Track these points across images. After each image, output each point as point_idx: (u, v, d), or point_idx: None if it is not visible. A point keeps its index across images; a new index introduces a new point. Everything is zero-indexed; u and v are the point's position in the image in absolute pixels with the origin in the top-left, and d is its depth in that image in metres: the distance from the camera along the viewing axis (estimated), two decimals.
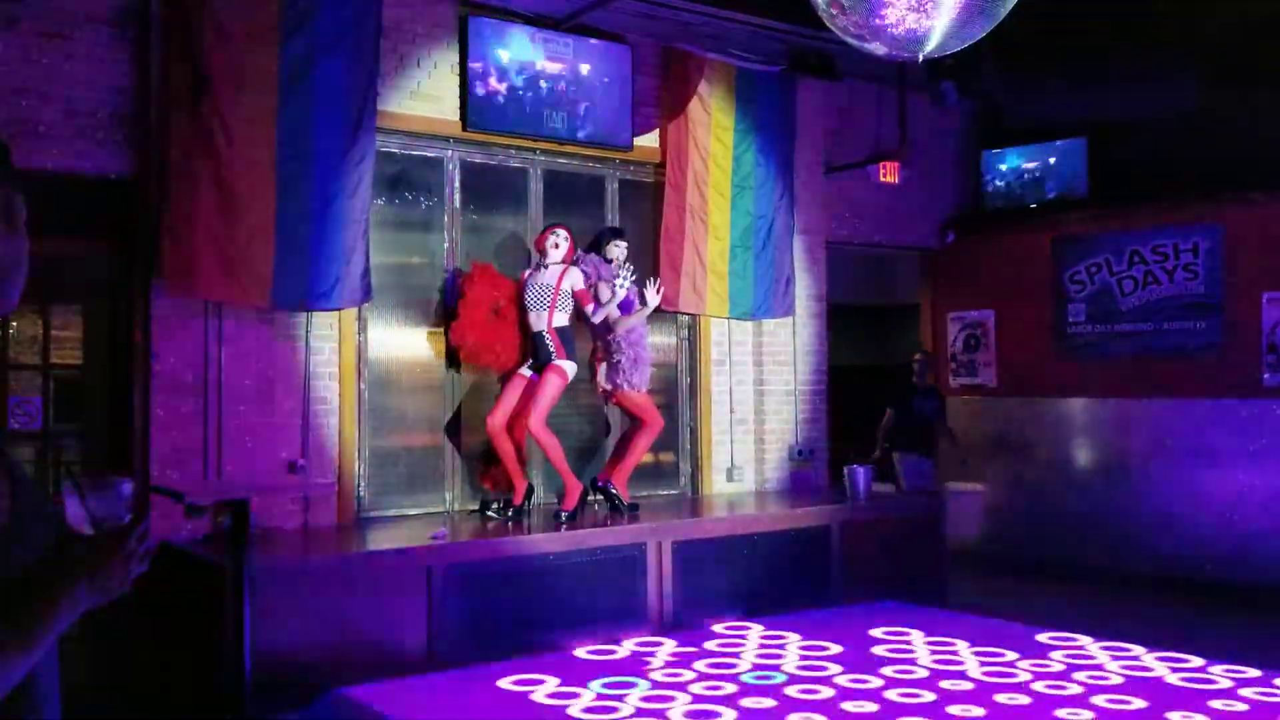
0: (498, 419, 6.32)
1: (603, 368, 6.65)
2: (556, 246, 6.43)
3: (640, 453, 6.79)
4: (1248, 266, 7.75)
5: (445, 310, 6.69)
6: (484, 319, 6.47)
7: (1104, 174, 8.65)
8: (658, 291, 6.61)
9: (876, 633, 6.11)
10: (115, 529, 1.57)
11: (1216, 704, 4.79)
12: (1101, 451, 8.48)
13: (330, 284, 6.00)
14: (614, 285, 6.49)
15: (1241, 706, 4.77)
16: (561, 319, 6.39)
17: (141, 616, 5.36)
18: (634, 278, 6.57)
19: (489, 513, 6.53)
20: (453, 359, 6.70)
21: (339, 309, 6.18)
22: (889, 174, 8.37)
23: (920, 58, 4.24)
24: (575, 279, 6.42)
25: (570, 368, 6.35)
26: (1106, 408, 8.44)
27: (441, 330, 6.71)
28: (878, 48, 4.27)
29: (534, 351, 6.43)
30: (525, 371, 6.43)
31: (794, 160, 8.03)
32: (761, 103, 7.82)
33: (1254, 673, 5.26)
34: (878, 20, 4.05)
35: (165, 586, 5.32)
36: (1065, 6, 7.37)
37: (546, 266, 6.43)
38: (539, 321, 6.38)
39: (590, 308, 6.45)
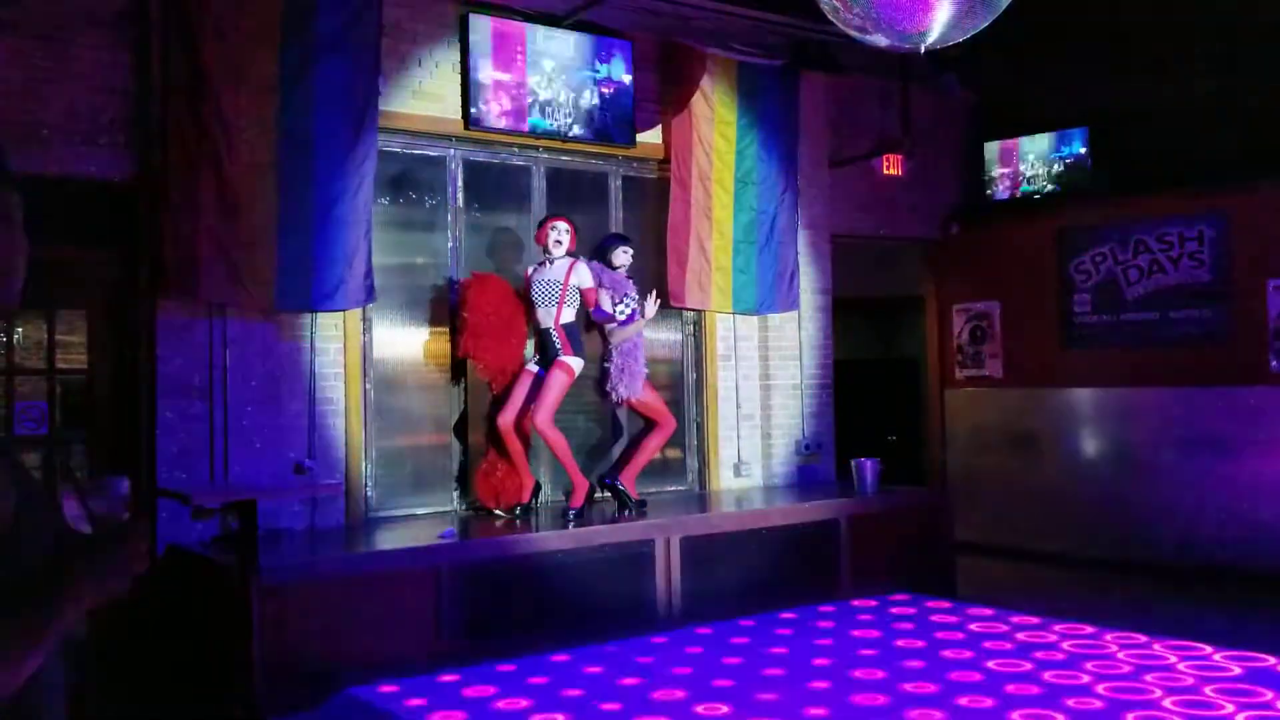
0: (508, 416, 6.32)
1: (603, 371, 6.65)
2: (559, 242, 6.41)
3: (652, 453, 6.79)
4: (1253, 254, 7.72)
5: (452, 319, 6.68)
6: (484, 325, 6.45)
7: (1108, 163, 8.61)
8: (655, 302, 6.56)
9: (886, 625, 6.10)
10: (114, 528, 1.57)
11: (1224, 691, 4.78)
12: (1108, 441, 8.46)
13: (333, 285, 5.99)
14: (619, 299, 6.44)
15: (1248, 693, 4.76)
16: (569, 315, 6.37)
17: (151, 618, 5.38)
18: (638, 302, 6.51)
19: (497, 511, 6.53)
20: (458, 367, 6.70)
21: (343, 310, 6.17)
22: (892, 167, 8.37)
23: (923, 49, 4.23)
24: (583, 275, 6.39)
25: (577, 363, 6.34)
26: (1112, 397, 8.42)
27: (446, 331, 6.71)
28: (880, 40, 4.26)
29: (541, 348, 6.43)
30: (532, 367, 6.43)
31: (797, 154, 8.01)
32: (764, 97, 7.81)
33: (1264, 659, 5.25)
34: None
35: (174, 588, 5.34)
36: None
37: (552, 262, 6.41)
38: (547, 318, 6.37)
39: (595, 309, 6.44)
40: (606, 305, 6.45)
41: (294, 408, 6.10)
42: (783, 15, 7.20)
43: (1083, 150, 8.76)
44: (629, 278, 6.66)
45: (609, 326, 6.50)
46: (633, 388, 6.55)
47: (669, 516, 6.40)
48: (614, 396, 6.57)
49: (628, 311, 6.44)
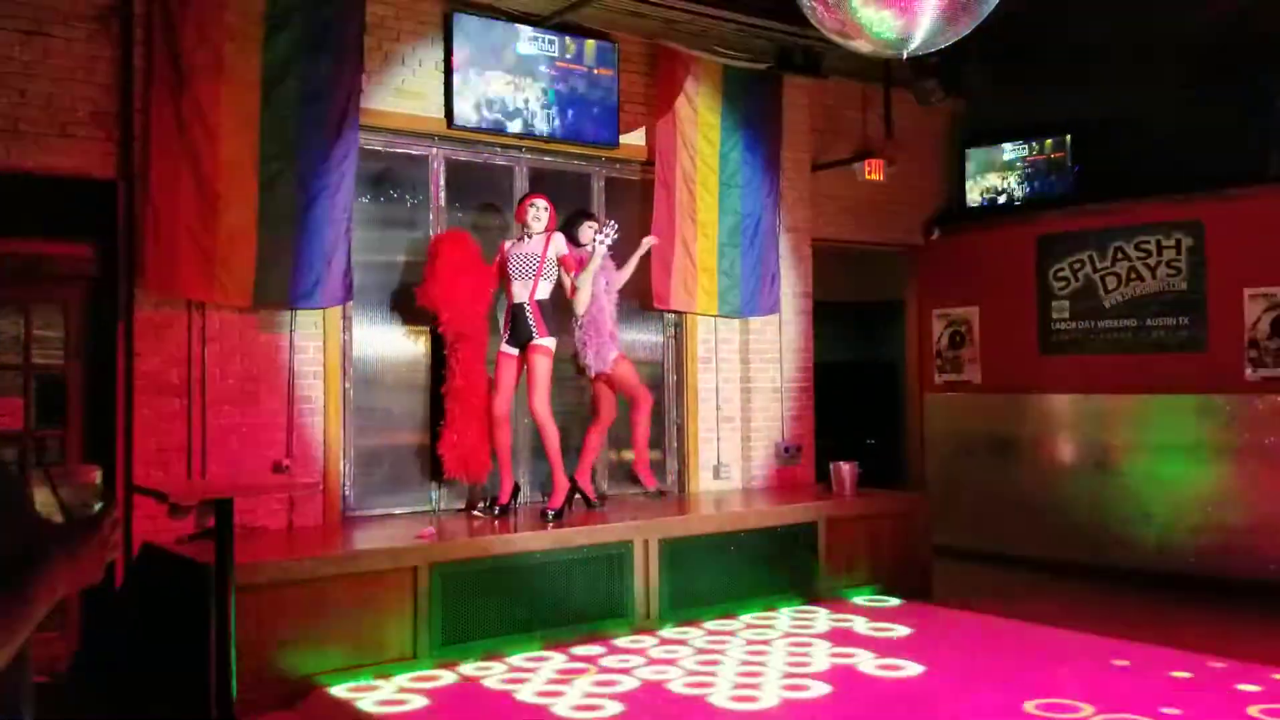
0: (502, 404, 6.32)
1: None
2: (538, 218, 6.36)
3: (644, 432, 6.86)
4: (1229, 262, 7.79)
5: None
6: (449, 277, 6.36)
7: (1088, 171, 8.68)
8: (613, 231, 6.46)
9: (862, 627, 6.13)
10: (86, 517, 1.57)
11: (1193, 692, 4.82)
12: (1085, 447, 8.51)
13: (312, 283, 5.97)
14: (590, 253, 6.46)
15: (1216, 698, 4.80)
16: (545, 290, 6.34)
17: (126, 616, 5.34)
18: (615, 234, 6.38)
19: (476, 512, 6.52)
20: (437, 365, 6.67)
21: (321, 308, 6.15)
22: (874, 171, 8.40)
23: (904, 56, 4.25)
24: (560, 245, 6.38)
25: (552, 343, 6.33)
26: (1090, 403, 8.48)
27: (426, 330, 6.69)
28: (862, 45, 4.27)
29: (513, 325, 6.38)
30: (506, 349, 6.41)
31: (780, 158, 8.05)
32: (748, 100, 7.83)
33: (1219, 664, 5.30)
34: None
35: (150, 587, 5.31)
36: (1048, 4, 7.40)
37: (530, 237, 6.39)
38: (522, 292, 6.33)
39: (572, 274, 6.42)
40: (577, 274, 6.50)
41: (272, 406, 6.08)
42: (767, 19, 7.22)
43: (1063, 157, 8.82)
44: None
45: (574, 300, 6.51)
46: (602, 357, 6.57)
47: (648, 518, 6.40)
48: (588, 370, 6.62)
49: (608, 240, 6.35)
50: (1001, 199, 9.14)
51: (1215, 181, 7.76)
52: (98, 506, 1.61)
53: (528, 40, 6.91)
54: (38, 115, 5.47)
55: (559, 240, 6.39)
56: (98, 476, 1.67)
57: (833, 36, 4.31)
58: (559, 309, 6.50)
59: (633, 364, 6.89)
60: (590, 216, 6.81)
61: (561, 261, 6.39)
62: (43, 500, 1.60)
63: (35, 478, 1.63)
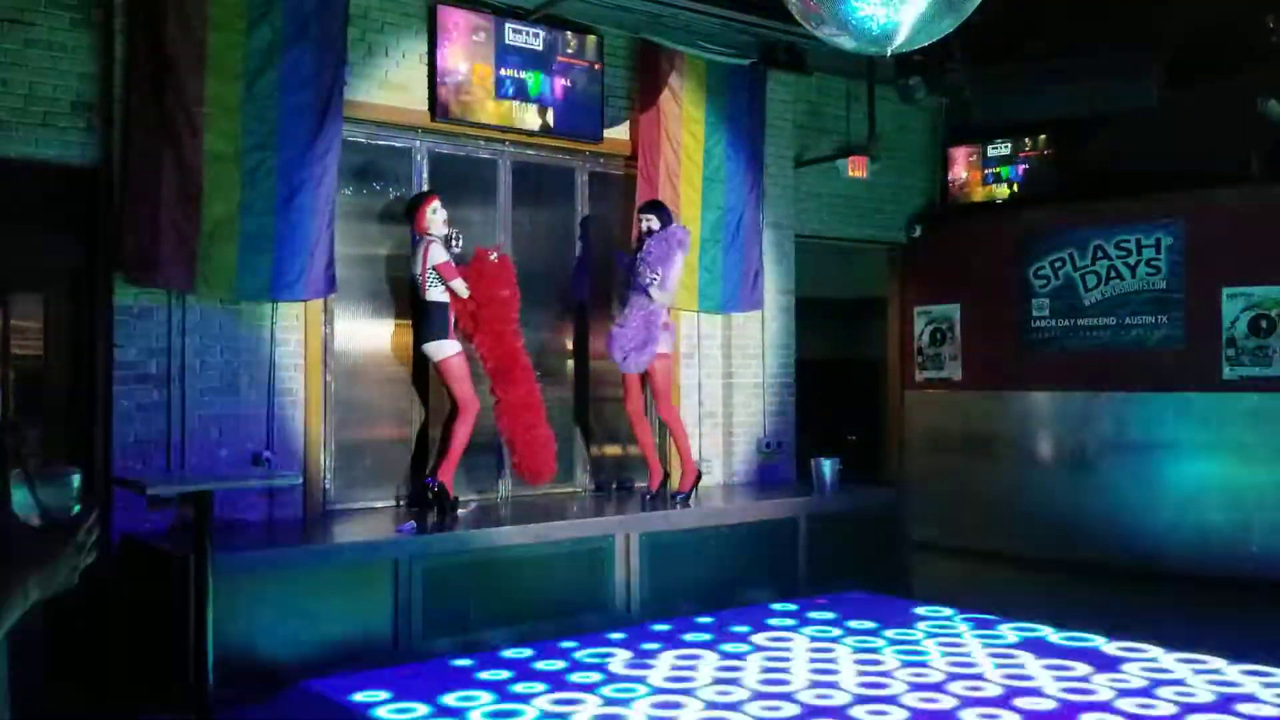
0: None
1: None
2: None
3: (644, 437, 6.98)
4: (1208, 262, 7.86)
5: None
6: (481, 300, 6.47)
7: (1069, 170, 8.73)
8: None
9: (842, 623, 6.15)
10: (64, 520, 1.55)
11: (1168, 691, 4.87)
12: (1064, 444, 8.57)
13: (294, 275, 5.95)
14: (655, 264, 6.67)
15: (1196, 693, 4.85)
16: (431, 293, 6.26)
17: (105, 610, 5.31)
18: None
19: (456, 510, 6.43)
20: (420, 361, 6.65)
21: (303, 300, 6.12)
22: (857, 169, 8.42)
23: (889, 53, 4.25)
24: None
25: (437, 346, 6.27)
26: (1069, 401, 8.54)
27: (408, 324, 6.67)
28: (846, 42, 4.28)
29: None
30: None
31: (764, 154, 8.05)
32: (732, 96, 7.83)
33: (1211, 661, 5.35)
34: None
35: (128, 579, 5.28)
36: (1031, 3, 7.43)
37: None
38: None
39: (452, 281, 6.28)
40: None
41: (253, 398, 6.05)
42: (751, 15, 7.22)
43: (1044, 156, 8.87)
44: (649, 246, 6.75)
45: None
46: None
47: (629, 513, 6.41)
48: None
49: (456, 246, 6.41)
50: (983, 197, 9.18)
51: (1195, 181, 7.82)
52: (76, 509, 1.59)
53: (512, 33, 6.89)
54: (19, 104, 5.41)
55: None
56: (79, 479, 1.65)
57: (817, 33, 4.32)
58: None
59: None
60: (642, 209, 6.99)
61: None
62: (20, 501, 1.58)
63: (14, 477, 1.60)
